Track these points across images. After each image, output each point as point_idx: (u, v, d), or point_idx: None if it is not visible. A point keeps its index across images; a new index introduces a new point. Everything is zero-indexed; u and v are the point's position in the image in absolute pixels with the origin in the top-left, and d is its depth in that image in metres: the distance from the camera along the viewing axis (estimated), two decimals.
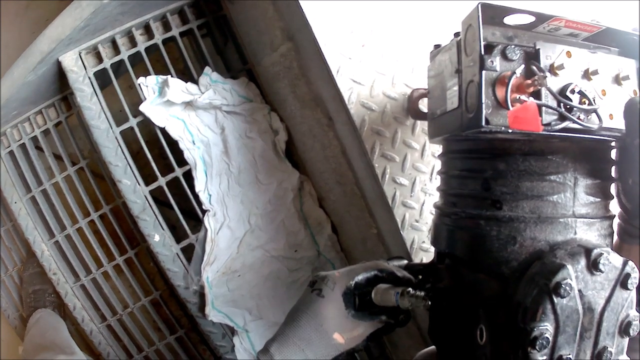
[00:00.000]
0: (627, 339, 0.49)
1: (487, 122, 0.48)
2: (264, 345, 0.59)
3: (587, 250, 0.47)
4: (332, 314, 0.57)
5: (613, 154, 0.55)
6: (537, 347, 0.45)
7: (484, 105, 0.48)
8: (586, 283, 0.47)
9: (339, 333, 0.57)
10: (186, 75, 1.06)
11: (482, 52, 0.49)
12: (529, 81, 0.49)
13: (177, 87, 0.99)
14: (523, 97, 0.48)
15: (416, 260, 0.84)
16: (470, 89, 0.51)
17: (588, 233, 0.51)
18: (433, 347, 0.67)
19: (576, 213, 0.51)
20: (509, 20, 0.52)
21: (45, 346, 1.11)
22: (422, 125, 0.80)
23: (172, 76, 1.01)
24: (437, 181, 0.83)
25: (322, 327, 0.57)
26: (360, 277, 0.60)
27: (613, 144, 0.54)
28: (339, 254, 1.16)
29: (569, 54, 0.52)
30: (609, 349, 0.48)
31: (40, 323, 1.22)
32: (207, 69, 1.02)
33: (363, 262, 0.65)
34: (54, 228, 1.20)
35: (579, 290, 0.46)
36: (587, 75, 0.52)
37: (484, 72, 0.48)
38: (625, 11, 0.73)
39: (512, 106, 0.48)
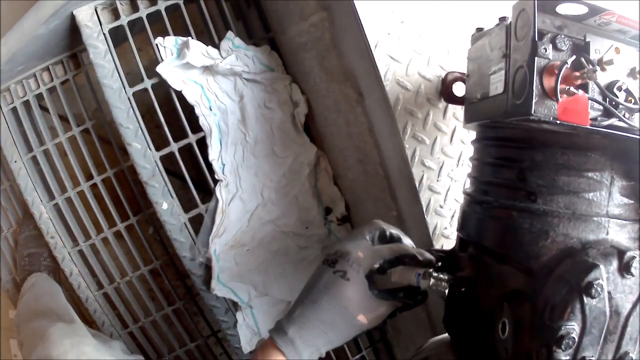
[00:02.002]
0: None
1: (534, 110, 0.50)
2: (277, 324, 0.61)
3: (620, 252, 0.49)
4: (357, 297, 0.59)
5: None
6: (562, 347, 0.47)
7: (534, 93, 0.50)
8: (616, 285, 0.49)
9: (363, 314, 0.60)
10: (204, 39, 1.08)
11: (536, 38, 0.51)
12: (578, 73, 0.51)
13: (198, 50, 1.01)
14: (572, 89, 0.51)
15: (437, 246, 0.88)
16: (519, 75, 0.54)
17: (619, 234, 0.53)
18: (445, 335, 0.70)
19: (610, 213, 0.53)
20: (561, 9, 0.54)
21: (41, 312, 1.13)
22: (453, 109, 0.85)
23: (192, 38, 1.03)
24: (463, 167, 0.88)
25: (347, 310, 0.59)
26: (385, 260, 0.62)
27: None
28: (349, 233, 1.21)
29: (617, 50, 0.54)
30: (630, 354, 0.50)
31: (36, 288, 1.25)
32: (230, 34, 1.05)
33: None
34: (55, 190, 1.23)
35: (609, 292, 0.48)
36: (633, 73, 0.54)
37: (535, 58, 0.51)
38: None
39: (560, 97, 0.52)
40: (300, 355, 0.58)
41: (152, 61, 1.06)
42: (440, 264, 0.67)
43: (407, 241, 0.69)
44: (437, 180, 0.85)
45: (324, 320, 0.59)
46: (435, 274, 0.60)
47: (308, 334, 0.59)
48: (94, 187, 1.24)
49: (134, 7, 1.05)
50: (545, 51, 0.52)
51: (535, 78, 0.51)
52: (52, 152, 1.21)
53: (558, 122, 0.50)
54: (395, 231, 0.68)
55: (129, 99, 1.07)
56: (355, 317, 0.59)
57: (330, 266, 0.62)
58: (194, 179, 1.14)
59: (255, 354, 0.61)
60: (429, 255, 0.65)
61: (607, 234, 0.53)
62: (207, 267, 1.15)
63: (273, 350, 0.59)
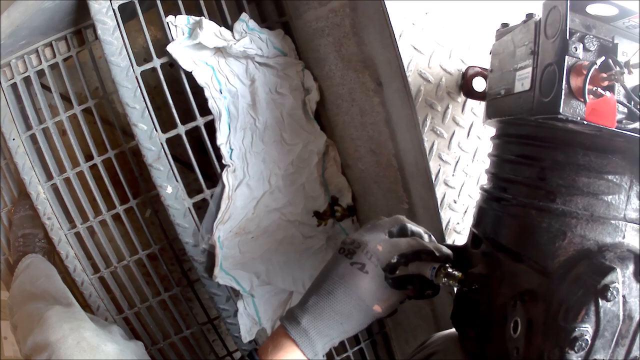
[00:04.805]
0: None
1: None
2: (289, 313, 0.62)
3: (637, 257, 0.51)
4: (373, 288, 0.61)
5: None
6: (575, 348, 0.48)
7: (563, 92, 0.52)
8: (631, 290, 0.50)
9: (379, 304, 0.62)
10: (214, 20, 1.09)
11: (568, 37, 0.53)
12: (605, 75, 0.52)
13: (211, 30, 1.03)
14: (600, 90, 0.54)
15: (448, 241, 0.91)
16: (547, 72, 0.55)
17: (635, 239, 0.54)
18: (452, 330, 0.72)
19: (627, 217, 0.54)
20: (591, 9, 0.55)
21: (36, 295, 1.14)
22: (471, 105, 0.88)
23: (205, 18, 1.05)
24: (478, 163, 0.91)
25: (364, 302, 0.61)
26: (401, 254, 0.63)
27: None
28: (354, 224, 1.25)
29: None
30: None
31: (31, 269, 1.26)
32: (244, 15, 1.07)
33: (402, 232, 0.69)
34: (53, 170, 1.25)
35: (623, 296, 0.49)
36: None
37: (566, 57, 0.52)
38: None
39: (587, 98, 0.54)
40: (314, 345, 0.60)
41: (156, 42, 1.07)
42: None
43: (428, 238, 0.70)
44: (453, 175, 0.88)
45: (340, 311, 0.60)
46: (449, 270, 0.62)
47: (322, 324, 0.60)
48: (93, 168, 1.25)
49: None
50: (576, 50, 0.53)
51: (564, 77, 0.53)
52: (52, 131, 1.22)
53: (585, 122, 0.52)
54: (416, 228, 0.70)
55: (136, 78, 1.08)
56: (371, 308, 0.61)
57: (347, 257, 0.63)
58: (197, 164, 1.16)
59: (266, 343, 0.62)
60: (446, 251, 0.66)
61: (624, 237, 0.54)
62: (210, 254, 1.18)
63: (285, 339, 0.60)
